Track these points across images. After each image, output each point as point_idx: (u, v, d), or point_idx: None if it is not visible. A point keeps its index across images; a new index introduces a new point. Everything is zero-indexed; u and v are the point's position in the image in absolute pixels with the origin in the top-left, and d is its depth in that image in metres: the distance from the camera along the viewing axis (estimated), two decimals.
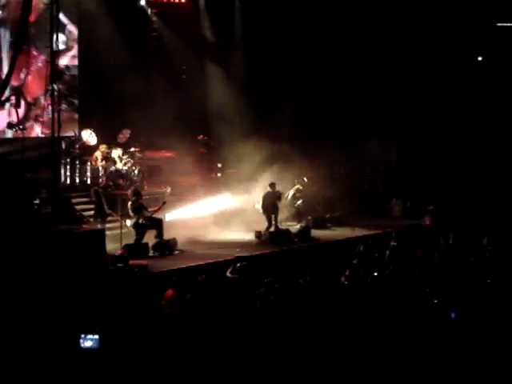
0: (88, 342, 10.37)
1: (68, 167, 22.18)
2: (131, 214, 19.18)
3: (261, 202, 22.06)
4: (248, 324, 11.67)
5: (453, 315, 12.12)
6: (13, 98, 20.92)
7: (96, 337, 10.37)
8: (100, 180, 21.92)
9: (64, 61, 22.62)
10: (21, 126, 20.49)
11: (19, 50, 19.53)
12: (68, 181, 22.17)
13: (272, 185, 22.09)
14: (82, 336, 10.35)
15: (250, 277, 14.98)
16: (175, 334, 11.52)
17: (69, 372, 10.31)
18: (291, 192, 24.18)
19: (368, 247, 18.44)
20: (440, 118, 28.02)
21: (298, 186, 24.34)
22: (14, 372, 10.47)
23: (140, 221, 18.99)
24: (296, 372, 10.26)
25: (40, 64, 22.60)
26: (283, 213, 23.28)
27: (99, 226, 19.23)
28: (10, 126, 21.00)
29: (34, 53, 22.69)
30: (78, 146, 22.58)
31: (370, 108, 27.73)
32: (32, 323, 12.48)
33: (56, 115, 18.70)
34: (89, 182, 22.33)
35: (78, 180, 22.40)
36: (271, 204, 21.91)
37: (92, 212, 20.88)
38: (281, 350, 10.77)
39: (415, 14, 27.32)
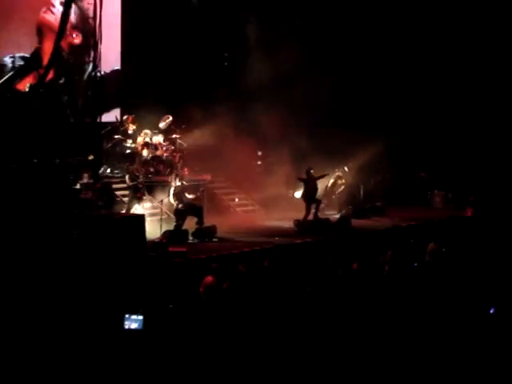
0: (132, 323, 10.37)
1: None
2: (172, 199, 19.28)
3: (301, 190, 22.00)
4: (287, 313, 11.64)
5: (492, 310, 11.98)
6: None
7: (140, 317, 10.37)
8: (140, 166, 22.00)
9: None
10: None
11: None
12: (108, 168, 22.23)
13: (309, 170, 21.97)
14: (126, 317, 10.34)
15: (288, 266, 14.94)
16: (214, 320, 11.53)
17: (113, 354, 10.34)
18: (331, 180, 24.10)
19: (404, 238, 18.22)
20: (479, 108, 27.76)
21: (338, 174, 24.24)
22: (59, 354, 10.53)
23: (180, 207, 19.08)
24: (341, 361, 10.20)
25: None
26: (323, 202, 23.22)
27: (138, 212, 19.31)
28: None
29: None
30: (120, 131, 22.68)
31: (414, 98, 27.54)
32: (73, 307, 12.58)
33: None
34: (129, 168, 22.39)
35: (118, 166, 22.44)
36: (311, 191, 21.81)
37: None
38: (319, 339, 10.73)
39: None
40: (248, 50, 26.92)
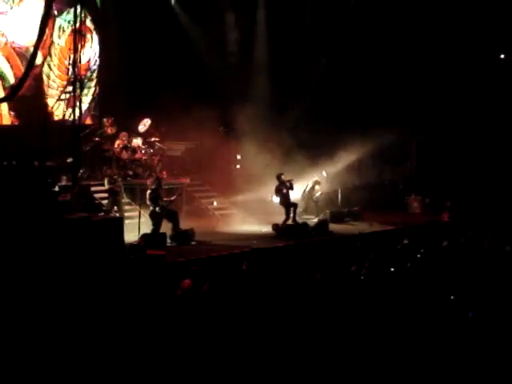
0: None
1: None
2: (148, 202, 19.23)
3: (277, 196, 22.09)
4: (264, 316, 11.70)
5: (470, 314, 12.09)
6: None
7: None
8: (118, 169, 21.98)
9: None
10: None
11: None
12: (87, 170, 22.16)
13: (279, 176, 22.01)
14: None
15: (266, 270, 15.00)
16: (191, 324, 11.56)
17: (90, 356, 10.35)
18: (309, 185, 24.21)
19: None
20: (460, 114, 27.94)
21: (316, 179, 24.35)
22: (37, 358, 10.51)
23: (157, 209, 19.05)
24: (312, 364, 10.27)
25: None
26: (301, 206, 23.34)
27: (116, 215, 19.29)
28: None
29: None
30: (98, 134, 22.65)
31: (390, 103, 27.67)
32: (52, 309, 12.54)
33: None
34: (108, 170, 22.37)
35: (97, 168, 22.39)
36: (286, 195, 21.89)
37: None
38: (295, 343, 10.79)
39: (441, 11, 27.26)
40: (228, 52, 27.03)
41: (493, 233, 18.43)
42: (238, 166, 26.45)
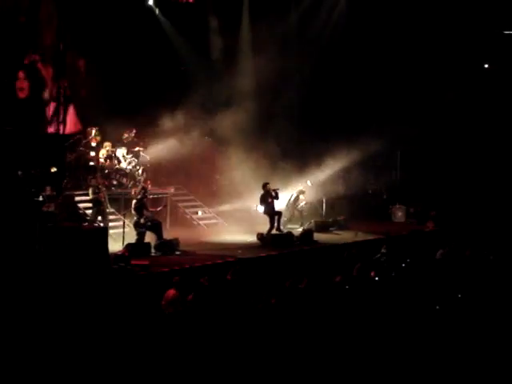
0: None
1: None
2: (133, 212, 19.18)
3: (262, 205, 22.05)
4: (249, 326, 11.69)
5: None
6: None
7: None
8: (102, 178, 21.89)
9: None
10: None
11: None
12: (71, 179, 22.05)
13: (265, 185, 21.94)
14: None
15: (250, 279, 15.00)
16: (175, 334, 11.54)
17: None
18: (294, 194, 24.20)
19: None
20: (444, 124, 28.07)
21: (300, 188, 24.34)
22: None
23: (141, 220, 19.00)
24: (296, 373, 10.28)
25: None
26: (286, 215, 23.33)
27: (101, 225, 19.22)
28: None
29: None
30: (82, 143, 22.57)
31: (374, 114, 27.78)
32: (32, 321, 12.49)
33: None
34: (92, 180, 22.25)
35: (82, 178, 22.29)
36: (271, 205, 21.84)
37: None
38: (281, 351, 10.79)
39: (424, 19, 27.39)
40: (212, 62, 27.02)
41: (476, 242, 18.56)
42: (220, 176, 26.41)
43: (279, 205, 22.60)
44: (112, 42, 24.22)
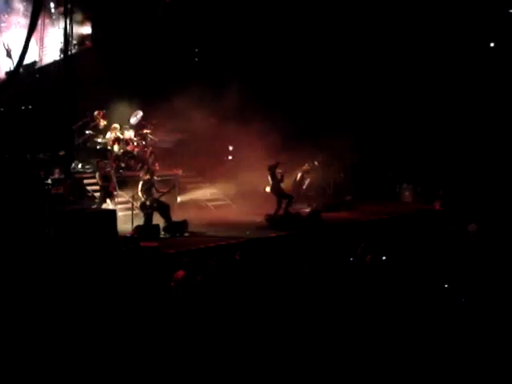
0: None
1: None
2: (140, 193, 19.20)
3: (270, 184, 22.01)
4: (257, 306, 11.76)
5: (463, 300, 12.20)
6: None
7: None
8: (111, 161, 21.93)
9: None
10: None
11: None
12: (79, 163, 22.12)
13: (273, 166, 21.80)
14: None
15: (259, 259, 15.05)
16: (185, 315, 11.61)
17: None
18: (299, 174, 24.11)
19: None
20: (451, 103, 28.03)
21: (305, 167, 24.20)
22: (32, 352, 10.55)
23: (148, 202, 19.04)
24: (304, 356, 10.33)
25: None
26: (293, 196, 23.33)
27: (110, 207, 19.28)
28: None
29: None
30: (90, 126, 22.62)
31: (381, 93, 27.76)
32: (42, 304, 12.57)
33: None
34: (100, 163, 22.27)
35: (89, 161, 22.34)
36: (278, 186, 21.76)
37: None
38: (290, 333, 10.85)
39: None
40: (218, 44, 26.97)
41: (480, 221, 18.59)
42: (230, 157, 26.45)
43: (287, 188, 22.49)
44: (119, 25, 24.18)
